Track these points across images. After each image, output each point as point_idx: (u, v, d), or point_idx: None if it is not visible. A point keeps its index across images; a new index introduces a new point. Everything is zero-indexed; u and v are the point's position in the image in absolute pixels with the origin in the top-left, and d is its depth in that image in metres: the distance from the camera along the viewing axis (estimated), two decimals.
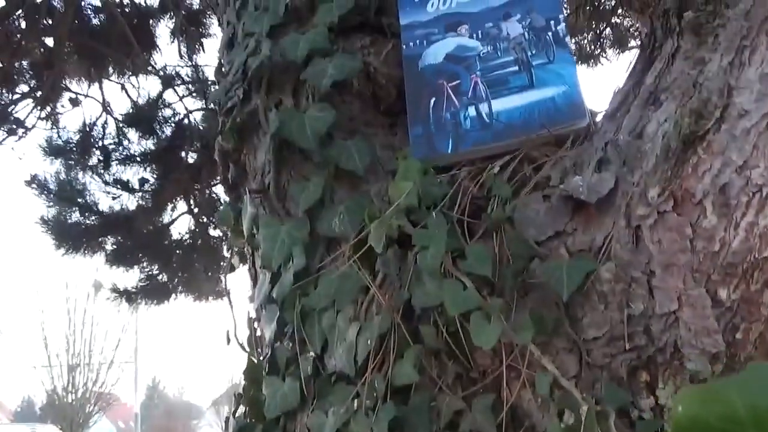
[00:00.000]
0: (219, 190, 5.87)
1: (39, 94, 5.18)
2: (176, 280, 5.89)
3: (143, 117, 5.46)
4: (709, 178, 0.92)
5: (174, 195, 5.65)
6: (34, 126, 5.24)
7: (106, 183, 5.46)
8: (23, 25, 4.85)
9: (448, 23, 1.25)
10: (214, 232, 5.74)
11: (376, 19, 1.36)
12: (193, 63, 5.44)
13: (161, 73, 5.29)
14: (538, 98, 1.14)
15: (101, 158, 5.46)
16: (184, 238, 5.80)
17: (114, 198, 5.50)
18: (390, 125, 1.31)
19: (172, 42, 5.23)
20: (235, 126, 1.35)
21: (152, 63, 5.43)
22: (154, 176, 5.52)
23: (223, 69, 1.54)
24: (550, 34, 1.19)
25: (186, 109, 5.51)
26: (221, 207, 1.48)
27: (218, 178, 5.61)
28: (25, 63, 5.17)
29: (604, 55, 5.89)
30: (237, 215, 1.39)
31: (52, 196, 5.39)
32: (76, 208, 5.43)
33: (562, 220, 1.01)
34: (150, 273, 5.71)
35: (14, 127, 5.24)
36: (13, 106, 5.21)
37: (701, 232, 0.92)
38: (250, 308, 1.38)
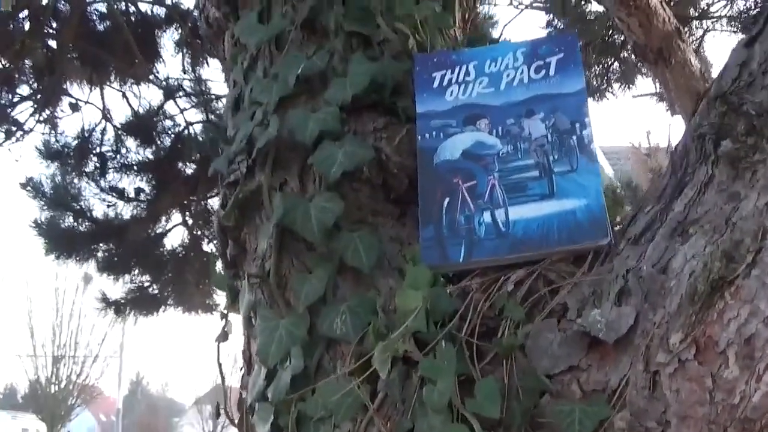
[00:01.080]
0: (215, 202, 5.81)
1: (39, 97, 5.12)
2: (166, 292, 5.83)
3: (143, 126, 5.40)
4: (735, 326, 0.86)
5: (169, 206, 5.59)
6: (32, 129, 5.18)
7: (102, 190, 5.39)
8: (27, 26, 4.78)
9: (467, 116, 1.19)
10: (207, 247, 5.68)
11: (391, 100, 1.30)
12: (196, 76, 5.38)
13: (164, 83, 5.23)
14: (558, 210, 1.08)
15: (98, 165, 5.40)
16: (176, 250, 5.74)
17: (109, 206, 5.44)
18: (399, 215, 1.25)
19: (177, 54, 5.17)
20: (237, 203, 1.29)
21: (155, 73, 5.38)
22: (151, 186, 5.46)
23: (228, 133, 1.48)
24: (574, 138, 1.13)
25: (186, 121, 5.46)
26: (216, 274, 1.42)
27: (215, 191, 5.53)
28: (27, 63, 5.11)
29: (610, 89, 5.86)
30: (234, 294, 1.33)
31: (46, 199, 5.32)
32: (70, 214, 5.36)
33: (576, 354, 0.95)
34: (140, 284, 5.64)
35: (12, 128, 5.18)
36: (12, 107, 5.15)
37: (722, 383, 0.86)
38: (244, 393, 1.32)
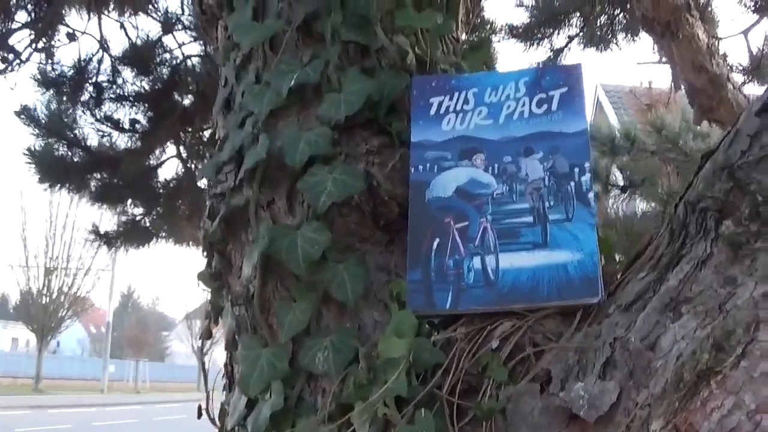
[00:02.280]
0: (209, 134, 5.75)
1: (37, 25, 4.99)
2: (158, 224, 5.83)
3: (140, 57, 5.29)
4: (717, 416, 0.85)
5: (165, 138, 5.53)
6: (29, 59, 5.07)
7: (97, 120, 5.32)
8: None
9: (462, 149, 1.15)
10: (201, 182, 5.64)
11: (386, 120, 1.25)
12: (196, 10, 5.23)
13: (162, 16, 5.10)
14: (550, 262, 1.05)
15: (94, 94, 5.31)
16: (170, 182, 5.71)
17: (103, 136, 5.37)
18: (388, 242, 1.22)
19: None
20: (223, 219, 1.26)
21: (154, 3, 5.22)
22: (146, 118, 5.39)
23: (216, 135, 1.44)
24: (572, 184, 1.09)
25: (183, 54, 5.34)
26: (202, 271, 1.39)
27: (210, 123, 5.47)
28: None
29: (615, 40, 5.73)
30: (218, 310, 1.31)
31: (41, 127, 5.25)
32: (64, 142, 5.31)
33: (556, 426, 0.94)
34: (132, 216, 5.63)
35: (9, 56, 5.07)
36: (9, 35, 5.03)
37: None
38: (224, 402, 1.32)
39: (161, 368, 38.04)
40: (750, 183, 0.89)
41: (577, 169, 1.10)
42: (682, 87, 3.30)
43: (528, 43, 5.37)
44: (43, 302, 19.56)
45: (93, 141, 5.32)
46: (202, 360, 1.53)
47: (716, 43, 3.38)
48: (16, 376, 26.74)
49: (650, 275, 0.99)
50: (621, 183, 6.68)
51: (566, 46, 5.41)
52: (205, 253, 1.34)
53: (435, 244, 1.10)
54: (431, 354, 1.03)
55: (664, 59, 3.60)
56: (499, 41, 5.41)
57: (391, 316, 1.12)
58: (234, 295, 1.27)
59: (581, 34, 5.31)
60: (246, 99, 1.32)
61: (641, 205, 6.76)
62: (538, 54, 5.35)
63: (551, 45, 5.42)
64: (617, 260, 1.26)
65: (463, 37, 1.52)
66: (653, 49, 3.73)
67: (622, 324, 0.97)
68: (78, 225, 20.63)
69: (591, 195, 1.08)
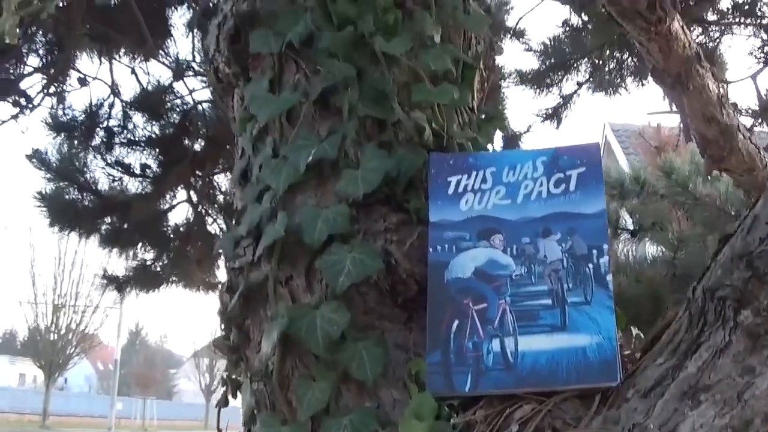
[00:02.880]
0: (220, 179, 5.79)
1: (48, 70, 5.07)
2: (169, 268, 5.84)
3: (151, 102, 5.36)
4: None
5: (175, 183, 5.57)
6: (41, 103, 5.14)
7: (108, 164, 5.37)
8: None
9: (481, 229, 1.16)
10: (211, 227, 5.67)
11: (403, 197, 1.27)
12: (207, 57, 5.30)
13: (173, 63, 5.17)
14: (568, 346, 1.05)
15: (105, 139, 5.37)
16: (180, 227, 5.74)
17: (114, 180, 5.42)
18: (406, 319, 1.23)
19: (187, 35, 5.10)
20: (242, 295, 1.27)
21: (165, 50, 5.31)
22: (157, 162, 5.44)
23: (234, 206, 1.45)
24: (590, 266, 1.10)
25: (194, 100, 5.41)
26: (217, 338, 1.40)
27: (219, 167, 5.51)
28: (36, 35, 5.05)
29: (623, 85, 5.78)
30: (236, 386, 1.31)
31: (52, 171, 5.29)
32: (75, 186, 5.35)
33: None
34: (143, 261, 5.65)
35: (21, 100, 5.14)
36: (21, 79, 5.11)
37: None
38: None
39: (169, 406, 37.77)
40: None
41: (595, 251, 1.11)
42: (693, 137, 3.31)
43: (537, 90, 5.42)
44: (51, 339, 19.53)
45: (104, 185, 5.37)
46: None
47: (726, 90, 3.39)
48: (23, 412, 26.60)
49: (669, 361, 0.99)
50: (630, 227, 6.67)
51: (575, 92, 5.47)
52: (222, 326, 1.35)
53: (454, 326, 1.11)
54: None
55: (674, 108, 3.62)
56: (508, 86, 5.47)
57: (410, 395, 1.12)
58: (252, 369, 1.28)
59: (590, 79, 5.36)
60: (264, 173, 1.34)
61: (651, 249, 6.75)
62: (548, 100, 5.40)
63: (560, 91, 5.48)
64: (633, 333, 1.27)
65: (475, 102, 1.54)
66: (663, 98, 3.75)
67: (641, 410, 0.97)
68: (86, 262, 20.64)
69: (609, 277, 1.09)
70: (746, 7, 4.62)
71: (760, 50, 4.30)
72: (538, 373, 1.05)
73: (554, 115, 5.69)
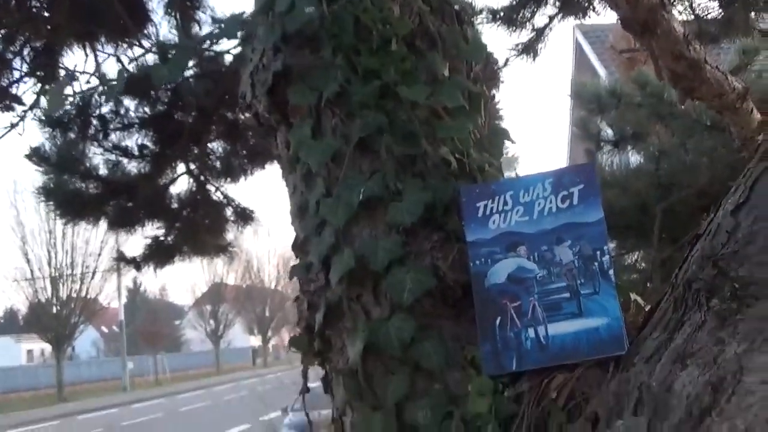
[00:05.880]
0: (215, 146, 6.04)
1: (38, 74, 5.23)
2: (180, 240, 6.12)
3: (139, 85, 5.54)
4: None
5: (174, 158, 5.81)
6: (34, 105, 5.32)
7: (106, 150, 5.59)
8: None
9: (508, 243, 1.49)
10: (215, 195, 5.95)
11: (442, 220, 1.59)
12: (188, 35, 5.47)
13: (154, 48, 5.33)
14: (586, 327, 1.40)
15: (100, 127, 5.57)
16: (184, 197, 6.00)
17: (114, 165, 5.65)
18: (457, 315, 1.57)
19: (167, 17, 5.26)
20: (325, 312, 1.60)
21: (147, 34, 5.46)
22: (153, 141, 5.66)
23: (296, 233, 1.77)
24: (596, 264, 1.44)
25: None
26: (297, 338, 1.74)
27: (212, 136, 5.75)
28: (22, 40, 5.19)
29: (592, 7, 6.01)
30: (328, 382, 1.66)
31: (52, 166, 5.50)
32: (77, 176, 5.57)
33: None
34: (155, 237, 5.92)
35: (12, 104, 5.32)
36: (10, 86, 5.27)
37: None
38: None
39: (179, 358, 38.66)
40: (729, 271, 1.23)
41: (598, 252, 1.44)
42: (664, 75, 3.61)
43: (511, 27, 5.66)
44: (54, 311, 19.79)
45: (105, 172, 5.60)
46: None
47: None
48: (37, 388, 27.05)
49: (662, 335, 1.34)
50: (612, 138, 7.01)
51: (547, 26, 5.70)
52: (305, 333, 1.68)
53: (498, 321, 1.45)
54: (508, 406, 1.39)
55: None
56: (481, 23, 5.67)
57: (470, 377, 1.47)
58: (336, 369, 1.62)
59: (560, 13, 5.59)
60: (322, 210, 1.65)
61: (633, 159, 7.10)
62: (522, 36, 5.63)
63: (533, 26, 5.72)
64: (632, 299, 1.61)
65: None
66: (633, 43, 4.03)
67: (645, 372, 1.33)
68: (77, 230, 20.72)
69: (611, 272, 1.43)
70: None
71: None
72: (565, 350, 1.40)
73: (529, 48, 5.93)
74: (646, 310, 1.47)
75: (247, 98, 1.89)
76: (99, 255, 20.83)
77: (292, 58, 1.74)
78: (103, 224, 5.54)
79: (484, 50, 1.82)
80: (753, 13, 5.40)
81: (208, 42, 4.29)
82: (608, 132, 6.83)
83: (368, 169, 1.65)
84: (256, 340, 50.63)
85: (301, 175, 1.74)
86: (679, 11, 5.24)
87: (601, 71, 14.23)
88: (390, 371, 1.53)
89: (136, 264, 5.81)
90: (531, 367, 1.42)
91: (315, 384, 1.76)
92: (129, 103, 5.67)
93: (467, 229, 1.52)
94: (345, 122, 1.69)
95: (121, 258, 5.77)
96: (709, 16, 5.23)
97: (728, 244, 1.26)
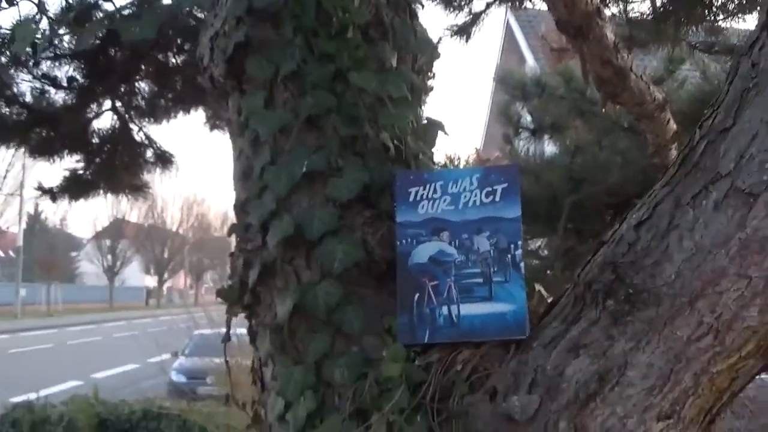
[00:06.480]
0: (143, 86, 5.99)
1: None
2: (98, 175, 6.07)
3: (77, 17, 5.43)
4: (600, 420, 1.42)
5: (102, 94, 5.73)
6: None
7: (35, 77, 5.47)
8: None
9: (433, 228, 1.65)
10: (138, 135, 5.91)
11: (376, 199, 1.73)
12: None
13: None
14: (494, 311, 1.58)
15: (31, 54, 5.44)
16: (106, 134, 5.94)
17: (41, 93, 5.54)
18: (379, 287, 1.72)
19: None
20: (259, 269, 1.73)
21: None
22: (83, 75, 5.57)
23: (237, 196, 1.88)
24: (509, 256, 1.61)
25: (116, 7, 5.50)
26: (226, 285, 1.86)
27: (142, 74, 5.71)
28: None
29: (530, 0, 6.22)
30: (254, 335, 1.79)
31: None
32: (3, 100, 5.45)
33: (500, 424, 1.49)
34: (74, 171, 5.85)
35: None
36: None
37: None
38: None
39: (72, 290, 37.85)
40: (626, 278, 1.43)
41: (512, 246, 1.62)
42: (590, 77, 3.82)
43: (448, 9, 5.80)
44: None
45: (30, 99, 5.49)
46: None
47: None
48: None
49: (560, 326, 1.53)
50: (531, 126, 7.29)
51: (484, 11, 5.87)
52: (238, 291, 1.81)
53: (416, 297, 1.62)
54: (417, 373, 1.56)
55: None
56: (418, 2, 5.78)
57: (386, 344, 1.63)
58: (263, 323, 1.76)
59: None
60: (266, 176, 1.77)
61: (549, 149, 7.40)
62: (459, 18, 5.77)
63: (470, 9, 5.87)
64: (536, 290, 1.80)
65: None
66: (566, 43, 4.23)
67: (542, 357, 1.52)
68: None
69: (522, 264, 1.61)
70: None
71: None
72: (474, 329, 1.58)
73: (463, 31, 6.09)
74: (548, 301, 1.66)
75: (205, 61, 1.97)
76: (4, 178, 20.04)
77: (254, 30, 1.84)
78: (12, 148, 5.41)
79: (431, 45, 1.96)
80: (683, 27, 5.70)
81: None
82: (528, 119, 7.11)
83: (313, 144, 1.77)
84: (151, 281, 50.03)
85: (249, 140, 1.85)
86: (613, 14, 5.50)
87: (529, 57, 14.54)
88: (313, 330, 1.68)
89: (52, 194, 5.74)
90: (441, 340, 1.60)
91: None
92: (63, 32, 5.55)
93: (398, 211, 1.68)
94: (296, 98, 1.81)
95: (39, 188, 5.68)
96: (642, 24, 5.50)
97: (628, 255, 1.45)
